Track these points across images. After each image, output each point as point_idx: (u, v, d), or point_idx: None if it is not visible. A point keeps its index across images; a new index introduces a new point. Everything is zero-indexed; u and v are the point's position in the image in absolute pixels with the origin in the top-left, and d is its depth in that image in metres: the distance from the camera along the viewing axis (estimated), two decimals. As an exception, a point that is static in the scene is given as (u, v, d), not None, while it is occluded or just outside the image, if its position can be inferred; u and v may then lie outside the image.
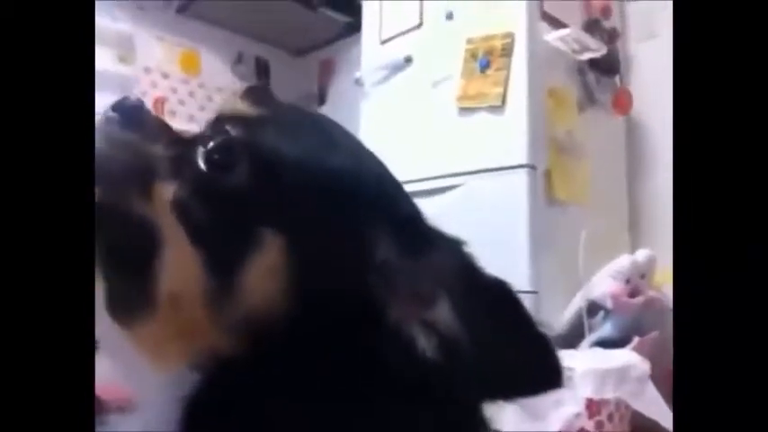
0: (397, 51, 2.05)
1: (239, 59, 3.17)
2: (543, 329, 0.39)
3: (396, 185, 0.44)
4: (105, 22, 2.58)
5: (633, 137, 2.10)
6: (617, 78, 2.03)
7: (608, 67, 1.96)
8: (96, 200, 0.40)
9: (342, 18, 2.85)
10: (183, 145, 0.43)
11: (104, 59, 2.56)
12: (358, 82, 2.19)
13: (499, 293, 0.39)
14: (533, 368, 0.39)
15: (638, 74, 2.11)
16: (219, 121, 0.43)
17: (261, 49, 3.25)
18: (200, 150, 0.41)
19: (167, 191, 0.40)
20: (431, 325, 0.37)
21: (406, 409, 0.37)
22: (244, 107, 0.44)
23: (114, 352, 0.42)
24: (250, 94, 0.46)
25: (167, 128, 0.45)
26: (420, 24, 2.00)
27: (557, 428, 1.24)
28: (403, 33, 2.05)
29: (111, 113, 0.44)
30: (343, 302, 0.38)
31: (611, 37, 1.99)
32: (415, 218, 0.42)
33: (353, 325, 0.37)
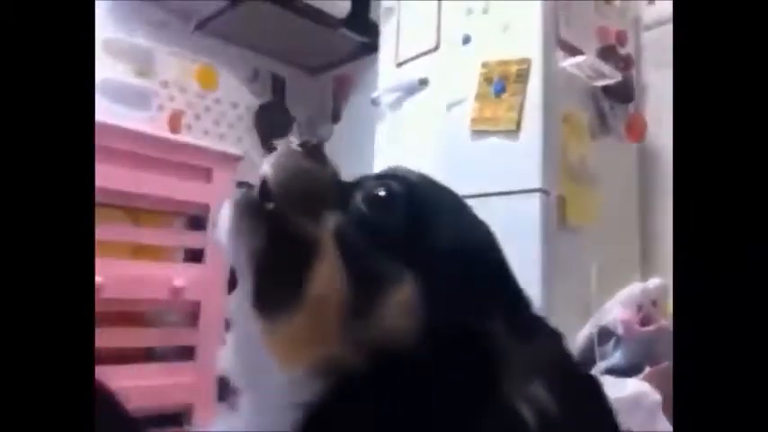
0: (412, 73, 2.07)
1: (255, 76, 3.20)
2: (623, 425, 0.44)
3: (513, 275, 0.50)
4: (124, 36, 2.63)
5: (646, 164, 2.10)
6: (631, 105, 2.04)
7: (622, 94, 1.97)
8: (275, 210, 0.50)
9: (359, 38, 2.88)
10: (348, 185, 0.52)
11: (123, 73, 2.60)
12: (373, 102, 2.22)
13: (589, 386, 0.44)
14: None
15: (652, 101, 2.12)
16: (383, 176, 0.52)
17: (277, 67, 3.28)
18: (363, 193, 0.50)
19: (332, 217, 0.49)
20: (529, 397, 0.40)
21: None
22: (407, 170, 0.53)
23: (246, 348, 0.49)
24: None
25: (336, 169, 0.55)
26: (437, 47, 2.03)
27: (566, 457, 1.23)
28: (419, 56, 2.08)
29: (300, 147, 0.53)
30: (460, 353, 0.43)
31: (626, 64, 2.00)
32: (527, 305, 0.48)
33: (464, 379, 0.42)
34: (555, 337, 0.46)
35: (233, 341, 0.51)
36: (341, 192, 0.51)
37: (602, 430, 0.43)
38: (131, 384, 1.34)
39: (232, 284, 0.52)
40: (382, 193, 0.49)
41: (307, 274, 0.46)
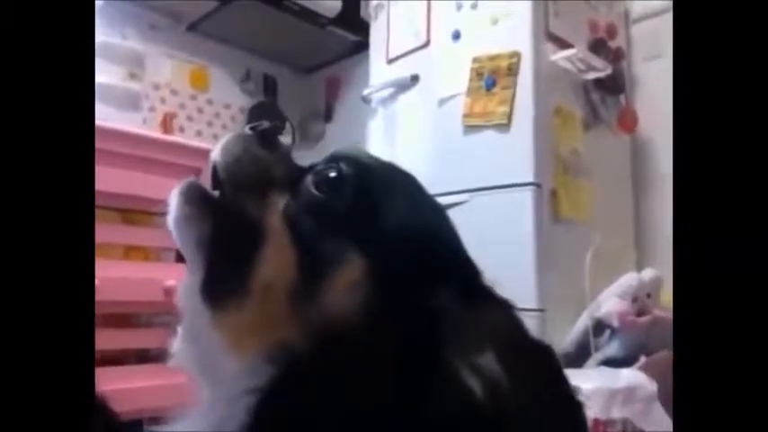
0: (403, 70, 2.07)
1: (247, 76, 3.20)
2: (579, 396, 0.43)
3: (464, 249, 0.50)
4: (116, 40, 2.62)
5: (639, 156, 2.11)
6: (622, 98, 2.04)
7: (613, 86, 1.97)
8: (220, 195, 0.50)
9: (349, 37, 2.88)
10: (299, 169, 0.52)
11: (114, 76, 2.59)
12: (365, 100, 2.22)
13: (541, 355, 0.43)
14: (560, 424, 0.42)
15: (643, 93, 2.12)
16: (334, 158, 0.51)
17: (269, 67, 3.28)
18: (313, 176, 0.49)
19: (280, 201, 0.49)
20: (477, 368, 0.40)
21: None
22: (357, 151, 0.52)
23: (196, 338, 0.48)
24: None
25: (288, 153, 0.55)
26: (427, 44, 2.03)
27: (563, 449, 1.23)
28: (410, 52, 2.08)
29: (249, 132, 0.54)
30: (407, 330, 0.42)
31: (616, 56, 2.01)
32: (475, 276, 0.48)
33: (413, 349, 0.41)
34: (505, 308, 0.45)
35: (183, 331, 0.50)
36: (291, 176, 0.51)
37: (556, 400, 0.42)
38: (125, 387, 1.34)
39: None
40: (332, 175, 0.49)
41: (255, 259, 0.46)
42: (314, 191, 0.48)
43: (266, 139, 0.53)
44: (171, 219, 0.51)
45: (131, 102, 2.68)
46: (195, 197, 0.51)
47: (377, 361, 0.41)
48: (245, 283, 0.45)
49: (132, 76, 2.71)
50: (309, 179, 0.49)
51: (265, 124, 0.55)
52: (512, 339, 0.43)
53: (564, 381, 0.43)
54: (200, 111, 3.01)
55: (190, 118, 2.97)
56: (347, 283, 0.44)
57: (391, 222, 0.47)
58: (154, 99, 2.83)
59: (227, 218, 0.49)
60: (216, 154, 0.52)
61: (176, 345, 0.51)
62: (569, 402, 0.43)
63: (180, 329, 0.51)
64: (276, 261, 0.46)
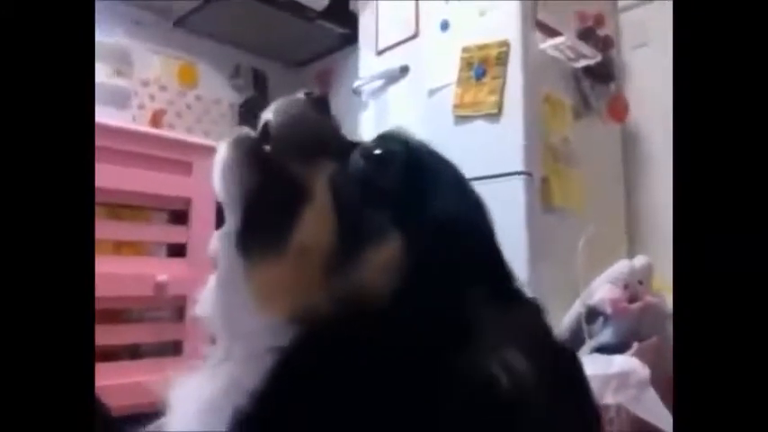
0: (393, 61, 2.06)
1: (237, 72, 3.18)
2: (596, 401, 0.45)
3: (499, 246, 0.51)
4: (102, 37, 2.59)
5: (630, 143, 2.11)
6: (612, 86, 2.04)
7: (603, 74, 1.98)
8: (271, 153, 0.49)
9: (338, 29, 2.87)
10: (348, 142, 0.52)
11: (101, 73, 2.57)
12: (355, 92, 2.21)
13: (567, 359, 0.45)
14: (578, 426, 0.43)
15: (633, 81, 2.12)
16: (383, 138, 0.52)
17: (258, 62, 3.26)
18: (362, 150, 0.50)
19: (328, 167, 0.49)
20: (503, 361, 0.40)
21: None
22: (405, 133, 0.53)
23: (227, 287, 0.48)
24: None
25: (339, 124, 0.55)
26: (416, 35, 2.02)
27: (557, 435, 1.24)
28: (399, 44, 2.07)
29: (304, 96, 0.53)
30: (436, 318, 0.42)
31: (605, 45, 2.01)
32: (510, 278, 0.49)
33: (440, 340, 0.41)
34: (535, 310, 0.46)
35: (215, 282, 0.50)
36: (341, 146, 0.51)
37: (579, 404, 0.43)
38: (118, 382, 1.34)
39: (220, 223, 0.51)
40: (380, 151, 0.49)
41: (295, 220, 0.46)
42: (362, 163, 0.49)
43: (320, 105, 0.53)
44: (217, 165, 0.50)
45: (120, 99, 2.66)
46: (246, 146, 0.50)
47: (400, 340, 0.41)
48: (283, 242, 0.45)
49: (119, 73, 2.68)
50: (358, 152, 0.50)
51: (319, 92, 0.55)
52: (539, 340, 0.43)
53: (585, 386, 0.44)
54: (189, 107, 2.99)
55: (179, 114, 2.95)
56: (383, 258, 0.44)
57: (435, 208, 0.47)
58: (143, 96, 2.80)
59: (275, 173, 0.49)
60: (268, 113, 0.51)
61: (206, 292, 0.50)
62: (588, 408, 0.44)
63: (210, 279, 0.50)
64: (316, 224, 0.46)
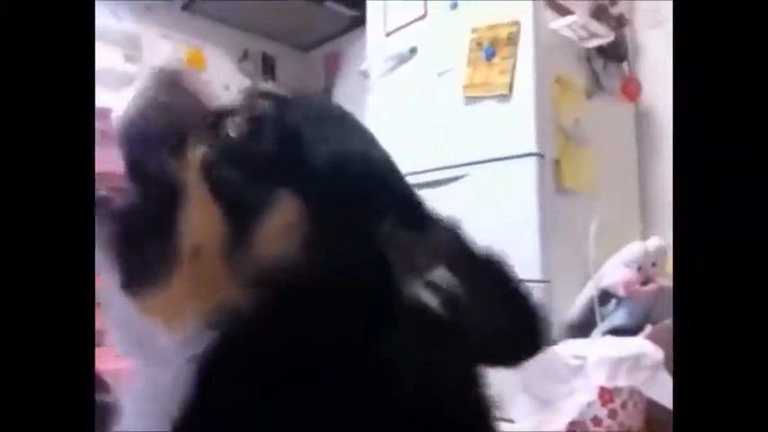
0: (402, 43, 2.04)
1: (245, 56, 3.17)
2: (531, 294, 0.42)
3: (400, 173, 0.48)
4: (111, 21, 2.59)
5: (643, 124, 2.08)
6: (625, 65, 2.01)
7: (615, 53, 1.94)
8: (129, 157, 0.45)
9: (347, 12, 2.84)
10: (217, 115, 0.47)
11: (111, 58, 2.56)
12: (364, 74, 2.19)
13: (491, 262, 0.42)
14: (521, 329, 0.42)
15: (646, 61, 2.08)
16: (252, 96, 0.48)
17: (267, 46, 3.25)
18: (231, 120, 0.45)
19: (198, 153, 0.44)
20: (431, 284, 0.39)
21: (413, 359, 0.39)
22: (274, 87, 0.49)
23: (128, 325, 0.44)
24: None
25: (202, 98, 0.49)
26: (424, 15, 1.99)
27: (570, 417, 1.24)
28: (408, 25, 2.05)
29: (152, 77, 0.48)
30: (354, 263, 0.41)
31: (618, 23, 1.97)
32: (417, 200, 0.46)
33: (364, 283, 0.40)
34: (451, 227, 0.44)
35: (113, 323, 0.46)
36: (206, 122, 0.46)
37: (515, 308, 0.42)
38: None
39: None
40: (248, 116, 0.45)
41: (178, 224, 0.42)
42: (232, 136, 0.45)
43: (170, 84, 0.48)
44: None
45: (130, 85, 2.66)
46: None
47: (328, 299, 0.39)
48: (172, 255, 0.41)
49: (129, 58, 2.68)
50: (226, 124, 0.45)
51: (164, 67, 0.49)
52: (461, 253, 0.42)
53: (518, 286, 0.42)
54: (198, 92, 2.99)
55: (188, 99, 2.94)
56: (280, 226, 0.41)
57: (318, 156, 0.43)
58: (152, 81, 2.80)
59: (135, 197, 0.44)
60: (115, 118, 0.46)
61: (111, 337, 0.46)
62: (526, 310, 0.42)
63: (106, 321, 0.46)
64: (200, 220, 0.42)
